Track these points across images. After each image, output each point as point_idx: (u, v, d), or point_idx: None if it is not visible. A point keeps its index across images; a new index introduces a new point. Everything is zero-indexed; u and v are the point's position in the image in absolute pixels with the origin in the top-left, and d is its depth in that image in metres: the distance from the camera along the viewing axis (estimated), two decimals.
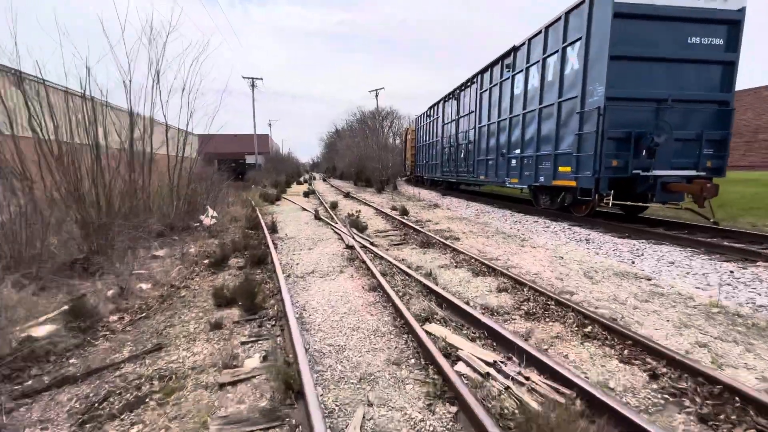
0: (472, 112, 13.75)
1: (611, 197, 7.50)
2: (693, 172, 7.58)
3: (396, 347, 2.94)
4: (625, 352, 2.74)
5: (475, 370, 2.51)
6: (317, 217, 9.92)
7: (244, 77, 33.83)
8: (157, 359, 3.01)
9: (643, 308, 3.69)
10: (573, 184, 8.26)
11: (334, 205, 12.42)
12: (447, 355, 2.70)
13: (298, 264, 5.62)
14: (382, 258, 5.60)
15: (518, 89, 10.49)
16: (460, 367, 2.57)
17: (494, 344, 2.92)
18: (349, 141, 34.47)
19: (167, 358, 3.02)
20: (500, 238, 7.25)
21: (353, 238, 6.93)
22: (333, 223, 8.79)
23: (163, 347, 3.20)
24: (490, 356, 2.67)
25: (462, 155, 15.05)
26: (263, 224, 8.30)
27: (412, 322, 3.11)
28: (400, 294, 3.99)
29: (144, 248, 6.35)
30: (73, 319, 3.62)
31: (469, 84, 14.12)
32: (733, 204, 10.09)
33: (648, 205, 8.35)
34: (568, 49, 8.32)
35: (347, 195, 17.06)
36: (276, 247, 6.59)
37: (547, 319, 3.37)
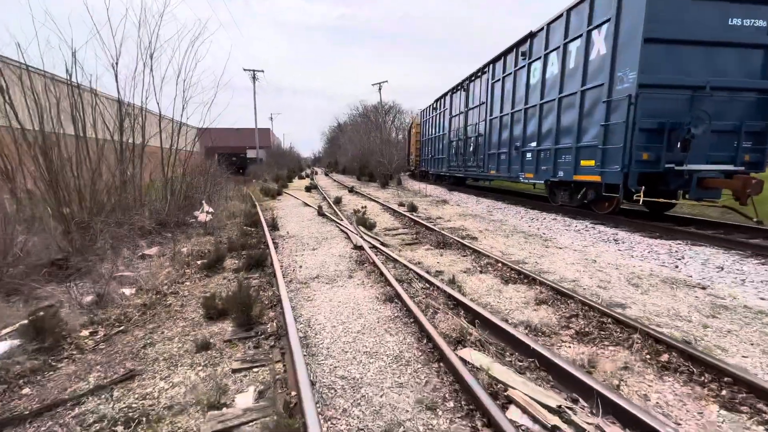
0: (483, 103, 13.07)
1: (642, 193, 6.85)
2: (730, 167, 6.95)
3: (427, 381, 2.33)
4: (723, 392, 2.13)
5: (535, 419, 1.91)
6: (321, 214, 9.32)
7: (245, 69, 33.12)
8: (127, 392, 2.43)
9: (714, 326, 3.09)
10: (597, 179, 7.62)
11: (338, 201, 11.80)
12: (494, 395, 2.10)
13: (301, 267, 5.02)
14: (395, 260, 4.99)
15: (535, 78, 9.81)
16: (514, 414, 1.97)
17: (549, 378, 2.32)
18: (352, 135, 33.75)
19: (140, 390, 2.43)
20: (521, 238, 6.63)
21: (361, 237, 6.33)
22: (338, 220, 8.19)
23: (137, 375, 2.61)
24: (551, 398, 2.07)
25: (471, 149, 14.37)
26: (263, 221, 7.70)
27: (443, 346, 2.51)
28: (423, 307, 3.38)
29: (130, 247, 5.77)
30: (33, 336, 3.04)
31: (479, 74, 13.41)
32: (764, 201, 9.43)
33: (676, 202, 7.71)
34: (594, 32, 7.64)
35: (351, 190, 16.43)
36: (276, 247, 5.99)
37: (606, 343, 2.76)
